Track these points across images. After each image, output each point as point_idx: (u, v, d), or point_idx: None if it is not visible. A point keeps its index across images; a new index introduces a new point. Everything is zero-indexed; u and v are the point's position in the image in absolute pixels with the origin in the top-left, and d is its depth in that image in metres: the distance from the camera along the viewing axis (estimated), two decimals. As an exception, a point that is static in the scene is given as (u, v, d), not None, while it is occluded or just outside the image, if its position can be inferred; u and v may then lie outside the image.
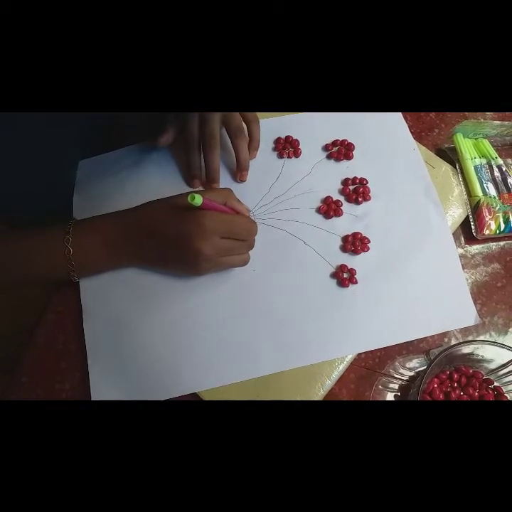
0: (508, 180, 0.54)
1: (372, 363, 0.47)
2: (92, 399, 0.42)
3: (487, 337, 0.49)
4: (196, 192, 0.41)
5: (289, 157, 0.54)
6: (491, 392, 0.45)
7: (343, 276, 0.48)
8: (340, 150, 0.55)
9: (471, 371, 0.45)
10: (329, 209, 0.51)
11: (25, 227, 0.44)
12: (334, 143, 0.55)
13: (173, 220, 0.42)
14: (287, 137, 0.55)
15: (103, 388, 0.43)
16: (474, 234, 0.52)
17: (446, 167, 0.56)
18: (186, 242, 0.41)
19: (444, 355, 0.41)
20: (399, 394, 0.46)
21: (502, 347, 0.42)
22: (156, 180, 0.52)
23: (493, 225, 0.52)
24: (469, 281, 0.51)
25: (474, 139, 0.58)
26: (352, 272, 0.48)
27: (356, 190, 0.52)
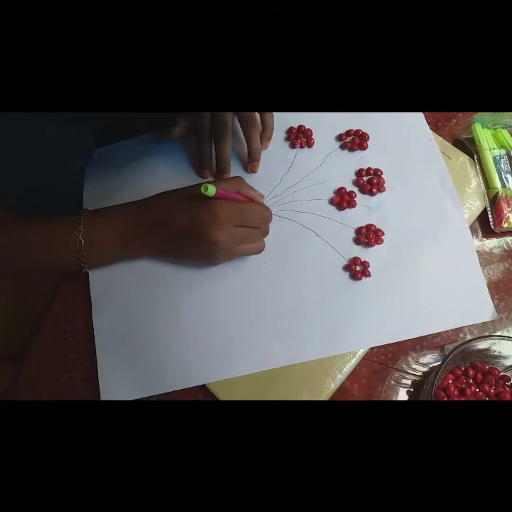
0: (528, 172, 0.53)
1: (384, 358, 0.46)
2: (100, 389, 0.42)
3: (504, 333, 0.47)
4: (209, 182, 0.41)
5: (301, 147, 0.53)
6: (508, 389, 0.43)
7: (356, 269, 0.47)
8: (354, 140, 0.53)
9: (487, 367, 0.44)
10: (342, 200, 0.50)
11: (34, 216, 0.44)
12: (348, 133, 0.54)
13: (186, 210, 0.41)
14: (300, 127, 0.54)
15: (110, 379, 0.43)
16: (492, 227, 0.51)
17: (463, 158, 0.54)
18: (201, 232, 0.40)
19: (459, 351, 0.40)
20: (412, 390, 0.45)
21: (520, 343, 0.40)
22: (166, 170, 0.51)
23: (511, 218, 0.50)
24: (487, 275, 0.49)
25: (493, 129, 0.56)
26: (365, 265, 0.47)
27: (370, 181, 0.51)
